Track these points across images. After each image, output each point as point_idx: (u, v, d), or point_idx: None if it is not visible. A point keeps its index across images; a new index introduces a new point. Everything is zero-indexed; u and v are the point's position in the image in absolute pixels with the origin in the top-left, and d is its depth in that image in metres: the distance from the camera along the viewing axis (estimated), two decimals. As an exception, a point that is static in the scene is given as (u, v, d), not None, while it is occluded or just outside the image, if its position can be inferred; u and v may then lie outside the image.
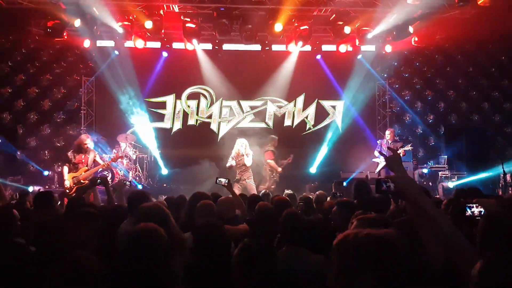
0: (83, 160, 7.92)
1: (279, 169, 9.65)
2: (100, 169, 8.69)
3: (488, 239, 2.03)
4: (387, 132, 10.27)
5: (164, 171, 11.57)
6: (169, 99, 12.09)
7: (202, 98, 12.11)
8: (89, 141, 8.08)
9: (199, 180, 9.45)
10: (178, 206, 4.96)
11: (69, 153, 8.02)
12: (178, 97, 12.05)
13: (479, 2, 8.93)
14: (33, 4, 9.60)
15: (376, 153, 10.02)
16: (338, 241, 1.37)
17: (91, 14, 9.79)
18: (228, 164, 8.64)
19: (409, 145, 10.30)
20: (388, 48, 11.46)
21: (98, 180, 5.14)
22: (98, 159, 8.21)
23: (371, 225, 2.17)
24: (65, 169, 7.91)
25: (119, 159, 9.61)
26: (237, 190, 7.68)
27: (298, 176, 11.01)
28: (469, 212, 2.96)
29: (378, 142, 10.39)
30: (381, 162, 9.94)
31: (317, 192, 5.91)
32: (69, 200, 4.91)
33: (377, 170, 10.14)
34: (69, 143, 11.12)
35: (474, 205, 2.80)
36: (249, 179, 8.59)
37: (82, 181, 7.73)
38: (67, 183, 7.80)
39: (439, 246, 1.71)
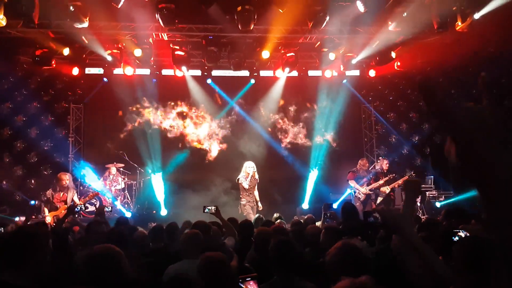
0: (61, 200, 8.16)
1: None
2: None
3: (460, 265, 2.07)
4: (385, 162, 10.26)
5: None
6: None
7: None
8: (67, 179, 8.28)
9: (191, 206, 9.43)
10: (169, 234, 4.96)
11: (48, 192, 8.28)
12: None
13: (457, 28, 9.27)
14: (22, 34, 9.66)
15: (354, 184, 9.87)
16: None
17: (80, 42, 9.89)
18: (247, 186, 8.84)
19: (410, 173, 10.39)
20: (372, 73, 11.76)
21: (76, 208, 5.15)
22: (75, 198, 8.41)
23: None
24: (45, 209, 8.16)
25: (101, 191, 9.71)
26: (249, 211, 8.52)
27: (290, 198, 11.10)
28: (456, 238, 3.04)
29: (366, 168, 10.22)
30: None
31: (306, 216, 5.96)
32: (52, 230, 4.91)
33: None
34: (56, 171, 11.07)
35: (460, 231, 2.87)
36: (256, 201, 8.98)
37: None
38: (48, 219, 7.95)
39: (424, 276, 1.78)
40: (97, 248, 2.41)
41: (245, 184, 8.81)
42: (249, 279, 2.18)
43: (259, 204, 9.04)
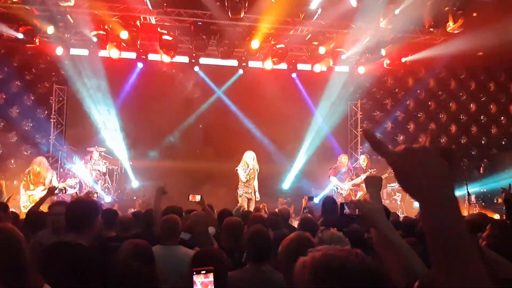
0: (39, 181, 8.01)
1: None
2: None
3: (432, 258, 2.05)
4: (362, 157, 10.29)
5: (135, 183, 11.37)
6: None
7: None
8: (36, 166, 8.19)
9: (173, 194, 9.33)
10: (146, 221, 4.87)
11: (26, 172, 8.14)
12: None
13: (448, 29, 9.29)
14: (5, 9, 9.37)
15: (335, 181, 9.80)
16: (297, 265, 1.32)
17: (65, 21, 9.64)
18: (244, 179, 8.67)
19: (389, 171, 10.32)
20: (361, 70, 11.74)
21: (56, 190, 5.02)
22: (54, 179, 8.26)
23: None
24: (21, 186, 8.03)
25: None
26: (244, 202, 8.35)
27: (271, 191, 11.05)
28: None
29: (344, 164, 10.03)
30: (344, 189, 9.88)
31: (280, 207, 5.96)
32: (29, 211, 4.76)
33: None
34: (37, 152, 10.86)
35: None
36: (254, 191, 8.83)
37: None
38: (24, 198, 7.79)
39: (400, 271, 1.74)
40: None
41: (243, 177, 8.60)
42: (204, 271, 2.03)
43: (257, 194, 8.83)
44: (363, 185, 9.71)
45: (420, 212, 0.95)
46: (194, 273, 2.01)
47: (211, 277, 2.01)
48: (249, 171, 8.64)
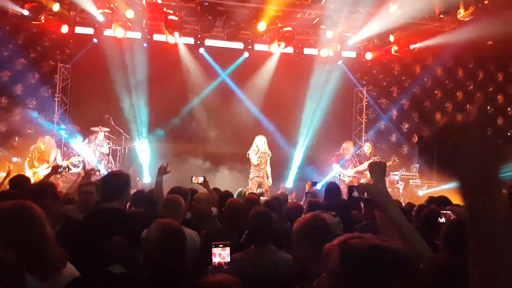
0: (44, 159, 8.08)
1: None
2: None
3: (447, 243, 2.08)
4: (367, 145, 10.26)
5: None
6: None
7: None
8: (42, 144, 8.28)
9: (176, 175, 9.37)
10: (149, 201, 4.88)
11: (31, 149, 8.15)
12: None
13: (458, 16, 9.14)
14: (11, -15, 9.30)
15: (337, 168, 9.76)
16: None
17: (70, -1, 9.55)
18: (255, 162, 8.76)
19: (392, 160, 10.25)
20: (369, 56, 11.61)
21: (60, 169, 5.04)
22: (59, 158, 8.29)
23: None
24: (26, 163, 8.04)
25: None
26: (254, 186, 8.43)
27: (274, 175, 11.08)
28: (441, 220, 3.03)
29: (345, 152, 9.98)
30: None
31: (278, 192, 5.99)
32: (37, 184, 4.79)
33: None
34: (40, 130, 10.87)
35: (449, 212, 2.86)
36: (267, 176, 8.89)
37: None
38: (29, 174, 7.86)
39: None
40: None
41: (254, 160, 8.77)
42: (222, 245, 2.35)
43: (270, 180, 8.96)
44: (367, 172, 9.68)
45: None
46: (213, 246, 2.33)
47: (227, 250, 2.35)
48: (261, 154, 8.71)
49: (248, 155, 8.88)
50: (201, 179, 4.88)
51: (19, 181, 4.60)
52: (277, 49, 11.19)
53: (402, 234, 1.74)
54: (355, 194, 1.91)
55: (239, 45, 11.30)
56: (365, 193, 1.84)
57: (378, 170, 1.89)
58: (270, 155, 8.90)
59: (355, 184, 2.12)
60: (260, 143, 8.76)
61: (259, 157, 8.72)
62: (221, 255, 2.34)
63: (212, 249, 2.34)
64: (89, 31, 10.79)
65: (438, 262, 1.49)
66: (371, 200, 1.84)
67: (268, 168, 8.95)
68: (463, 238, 1.98)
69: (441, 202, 4.92)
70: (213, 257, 2.34)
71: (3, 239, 1.84)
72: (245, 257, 2.81)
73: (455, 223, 2.35)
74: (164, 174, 4.38)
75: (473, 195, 0.86)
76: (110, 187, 3.14)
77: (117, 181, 3.18)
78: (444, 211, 2.95)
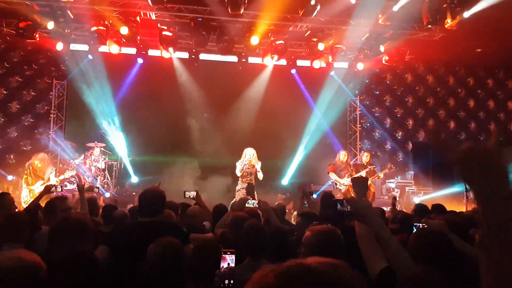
0: (39, 176, 8.15)
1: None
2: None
3: (414, 254, 2.14)
4: (365, 154, 10.28)
5: (134, 179, 11.43)
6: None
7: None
8: (38, 161, 8.26)
9: (171, 190, 9.40)
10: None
11: (26, 166, 8.21)
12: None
13: (446, 26, 9.31)
14: (6, 4, 9.38)
15: (334, 177, 9.77)
16: None
17: (65, 17, 9.64)
18: (239, 174, 8.69)
19: (389, 167, 10.29)
20: (360, 66, 11.77)
21: (52, 188, 5.07)
22: (52, 175, 8.32)
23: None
24: (23, 181, 8.19)
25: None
26: (238, 197, 8.12)
27: (270, 186, 11.13)
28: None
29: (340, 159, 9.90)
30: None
31: (276, 203, 6.01)
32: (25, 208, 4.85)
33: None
34: (36, 147, 10.91)
35: (421, 224, 2.93)
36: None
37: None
38: (25, 192, 7.88)
39: (379, 260, 1.82)
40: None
41: (238, 171, 8.67)
42: (230, 253, 2.54)
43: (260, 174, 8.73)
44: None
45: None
46: (222, 253, 2.54)
47: (233, 257, 2.54)
48: (244, 166, 8.67)
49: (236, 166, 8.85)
50: (193, 194, 4.89)
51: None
52: (271, 62, 11.33)
53: (384, 246, 1.81)
54: (339, 208, 1.99)
55: (233, 58, 11.44)
56: (348, 207, 1.92)
57: (360, 184, 1.98)
58: (260, 165, 8.76)
59: (345, 197, 2.20)
60: (247, 155, 8.70)
61: (242, 169, 8.70)
62: (227, 261, 2.53)
63: (222, 255, 2.51)
64: (84, 47, 10.89)
65: (417, 274, 1.56)
66: (354, 213, 1.91)
67: (260, 175, 8.82)
68: (428, 247, 2.08)
69: (435, 210, 4.98)
70: (222, 263, 2.51)
71: None
72: (239, 271, 2.84)
73: (422, 232, 2.42)
74: None
75: (495, 207, 1.02)
76: (146, 204, 3.20)
77: (154, 198, 3.23)
78: (419, 224, 3.03)
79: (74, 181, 10.02)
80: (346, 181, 9.80)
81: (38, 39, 10.11)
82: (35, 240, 3.45)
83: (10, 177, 10.66)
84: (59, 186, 5.26)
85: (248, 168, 8.70)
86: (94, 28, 9.97)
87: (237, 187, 8.80)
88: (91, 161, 10.51)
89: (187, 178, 10.53)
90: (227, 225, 3.89)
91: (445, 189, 10.91)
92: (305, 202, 6.01)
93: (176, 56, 11.30)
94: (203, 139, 11.99)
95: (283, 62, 11.58)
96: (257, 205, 4.59)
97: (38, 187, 8.08)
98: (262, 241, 2.90)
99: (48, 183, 7.87)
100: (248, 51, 11.18)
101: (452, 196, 10.71)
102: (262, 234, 2.95)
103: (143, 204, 3.21)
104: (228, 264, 2.51)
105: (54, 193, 5.29)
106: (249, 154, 8.72)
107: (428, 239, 2.19)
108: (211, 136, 11.93)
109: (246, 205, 4.66)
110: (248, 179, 8.74)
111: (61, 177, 8.97)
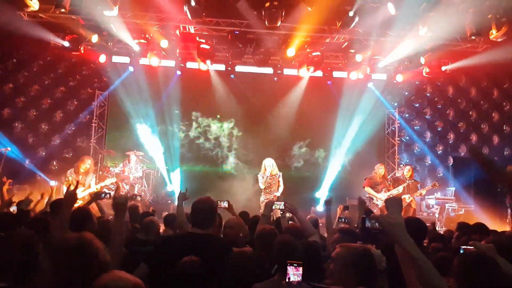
0: (82, 181, 8.28)
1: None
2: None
3: (459, 279, 2.04)
4: (407, 168, 9.93)
5: (170, 187, 11.61)
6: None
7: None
8: (89, 164, 8.32)
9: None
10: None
11: (68, 172, 8.34)
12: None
13: (491, 37, 8.95)
14: (53, 19, 9.86)
15: (370, 191, 9.47)
16: None
17: (108, 30, 10.02)
18: (262, 186, 8.72)
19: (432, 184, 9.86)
20: (399, 78, 11.51)
21: (102, 194, 5.17)
22: (93, 183, 8.46)
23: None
24: (63, 187, 8.30)
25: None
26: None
27: (305, 199, 11.04)
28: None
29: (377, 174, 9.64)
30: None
31: (308, 216, 5.87)
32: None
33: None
34: (77, 155, 11.31)
35: (468, 247, 2.78)
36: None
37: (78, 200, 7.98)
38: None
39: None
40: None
41: (261, 184, 8.72)
42: (296, 264, 2.40)
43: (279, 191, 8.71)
44: (405, 196, 9.41)
45: None
46: (289, 264, 2.38)
47: (300, 270, 2.37)
48: (267, 178, 8.64)
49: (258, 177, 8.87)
50: (225, 204, 4.86)
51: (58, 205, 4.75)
52: (306, 73, 11.28)
53: (417, 267, 1.72)
54: (368, 225, 1.92)
55: (269, 70, 11.48)
56: (376, 224, 1.84)
57: (394, 205, 1.89)
58: (280, 175, 8.76)
59: (382, 212, 2.12)
60: (268, 167, 8.70)
61: (265, 181, 8.66)
62: (294, 273, 2.40)
63: (288, 268, 2.41)
64: (126, 60, 11.30)
65: None
66: (384, 231, 1.84)
67: (281, 188, 8.80)
68: (476, 272, 1.97)
69: (477, 230, 4.74)
70: (289, 275, 2.41)
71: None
72: (267, 285, 2.79)
73: (470, 256, 2.30)
74: (183, 201, 4.41)
75: None
76: (199, 214, 3.21)
77: (206, 208, 3.24)
78: (466, 246, 2.87)
79: (114, 188, 10.28)
80: (383, 196, 9.52)
81: (82, 51, 10.55)
82: None
83: (53, 183, 11.06)
84: (109, 192, 5.32)
85: (270, 179, 8.68)
86: (135, 41, 10.32)
87: (261, 199, 8.79)
88: (129, 169, 10.78)
89: (220, 189, 10.57)
90: (254, 239, 3.83)
91: (487, 206, 10.46)
92: (342, 218, 5.84)
93: (213, 68, 11.47)
94: (237, 149, 12.05)
95: (319, 73, 11.50)
96: (283, 207, 4.54)
97: (80, 193, 8.30)
98: (292, 257, 2.83)
99: (89, 190, 8.13)
100: (284, 62, 11.21)
101: (493, 213, 10.26)
102: (293, 250, 2.88)
103: (194, 215, 3.23)
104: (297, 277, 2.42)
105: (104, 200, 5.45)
106: (269, 166, 8.73)
107: (476, 264, 2.12)
108: (245, 146, 11.98)
109: (273, 207, 4.63)
110: (272, 189, 8.71)
111: (102, 184, 9.18)
